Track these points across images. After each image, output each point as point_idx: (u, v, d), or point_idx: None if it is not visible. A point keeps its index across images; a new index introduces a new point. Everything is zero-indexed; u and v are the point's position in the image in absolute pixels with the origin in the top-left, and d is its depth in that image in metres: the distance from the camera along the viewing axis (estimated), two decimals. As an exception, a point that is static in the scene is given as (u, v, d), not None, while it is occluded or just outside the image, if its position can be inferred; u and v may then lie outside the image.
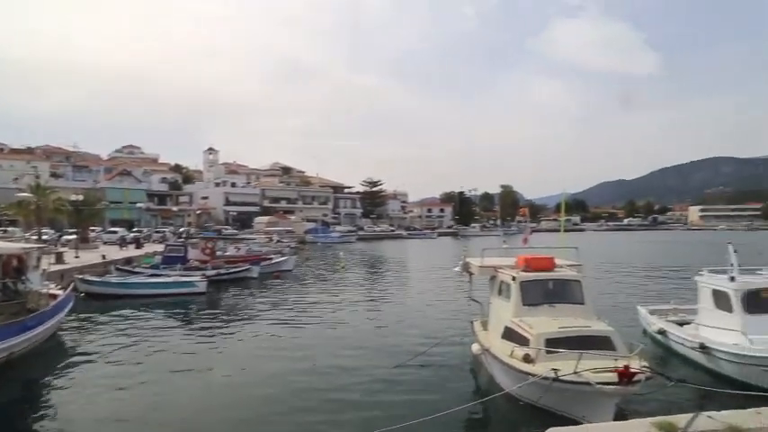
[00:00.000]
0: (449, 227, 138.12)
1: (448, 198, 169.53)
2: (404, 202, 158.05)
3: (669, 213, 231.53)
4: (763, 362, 10.97)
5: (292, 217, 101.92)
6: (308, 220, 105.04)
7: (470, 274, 14.98)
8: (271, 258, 39.19)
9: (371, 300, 26.73)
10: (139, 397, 11.78)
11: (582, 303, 11.86)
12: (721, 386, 10.30)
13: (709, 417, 5.70)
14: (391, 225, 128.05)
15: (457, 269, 15.78)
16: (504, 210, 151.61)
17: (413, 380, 12.73)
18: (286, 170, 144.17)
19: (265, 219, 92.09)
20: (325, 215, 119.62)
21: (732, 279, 12.73)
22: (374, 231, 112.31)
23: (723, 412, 5.88)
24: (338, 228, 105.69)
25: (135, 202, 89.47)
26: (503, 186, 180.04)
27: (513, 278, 12.12)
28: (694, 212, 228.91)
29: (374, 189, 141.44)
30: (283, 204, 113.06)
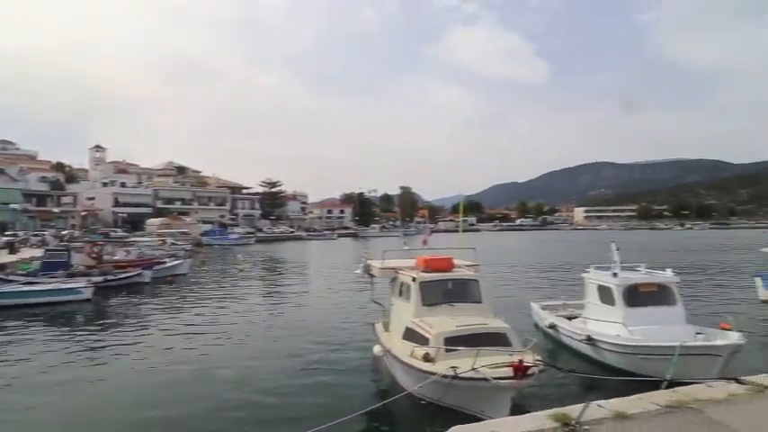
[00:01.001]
0: (349, 228, 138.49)
1: (348, 199, 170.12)
2: (304, 203, 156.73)
3: (557, 214, 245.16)
4: (641, 351, 11.81)
5: (187, 218, 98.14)
6: (205, 222, 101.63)
7: (371, 275, 15.00)
8: (164, 262, 37.36)
9: (271, 303, 26.17)
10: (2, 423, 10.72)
11: (479, 302, 12.21)
12: (607, 375, 10.99)
13: (599, 405, 6.02)
14: (291, 226, 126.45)
15: (358, 271, 15.76)
16: (403, 211, 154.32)
17: (314, 385, 12.51)
18: (181, 170, 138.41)
19: (158, 220, 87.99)
20: (223, 216, 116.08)
21: (615, 275, 13.65)
22: (274, 233, 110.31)
23: (611, 400, 6.22)
24: (236, 229, 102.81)
25: (8, 203, 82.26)
26: (402, 187, 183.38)
27: (414, 279, 12.26)
28: (579, 213, 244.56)
29: (273, 190, 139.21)
30: (178, 205, 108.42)
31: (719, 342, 10.94)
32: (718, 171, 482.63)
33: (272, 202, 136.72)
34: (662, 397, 6.43)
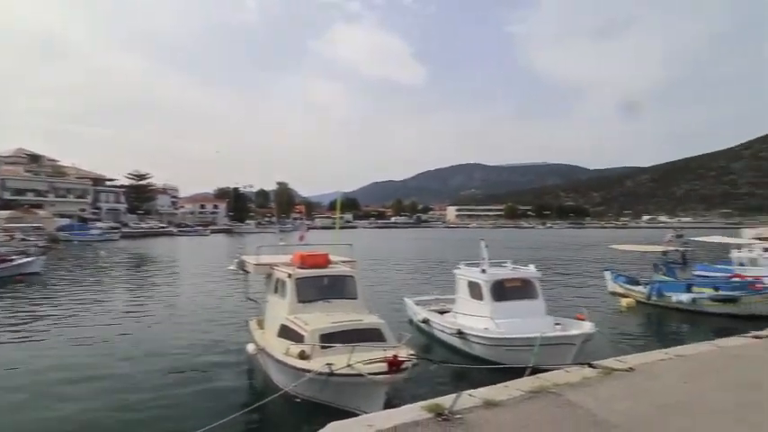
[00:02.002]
0: (223, 224, 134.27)
1: (222, 194, 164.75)
2: (174, 197, 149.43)
3: (431, 212, 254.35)
4: (506, 342, 12.55)
5: (41, 212, 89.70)
6: (63, 216, 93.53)
7: (246, 272, 14.62)
8: (12, 259, 33.90)
9: (138, 304, 24.53)
10: None
11: (355, 298, 12.30)
12: (476, 366, 11.54)
13: (470, 395, 6.27)
14: (160, 221, 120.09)
15: (232, 267, 15.29)
16: (280, 207, 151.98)
17: (185, 388, 11.89)
18: (34, 158, 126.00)
19: (6, 213, 79.61)
20: (84, 210, 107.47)
21: (483, 271, 14.34)
22: (141, 228, 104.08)
23: (480, 389, 6.50)
24: (99, 224, 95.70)
25: None
26: (279, 183, 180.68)
27: (289, 275, 12.10)
28: (452, 212, 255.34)
29: (142, 182, 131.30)
30: (30, 197, 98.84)
31: (574, 332, 11.90)
32: (575, 175, 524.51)
33: (140, 195, 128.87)
34: (526, 384, 6.82)
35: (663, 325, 19.86)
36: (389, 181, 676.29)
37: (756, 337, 9.82)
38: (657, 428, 5.38)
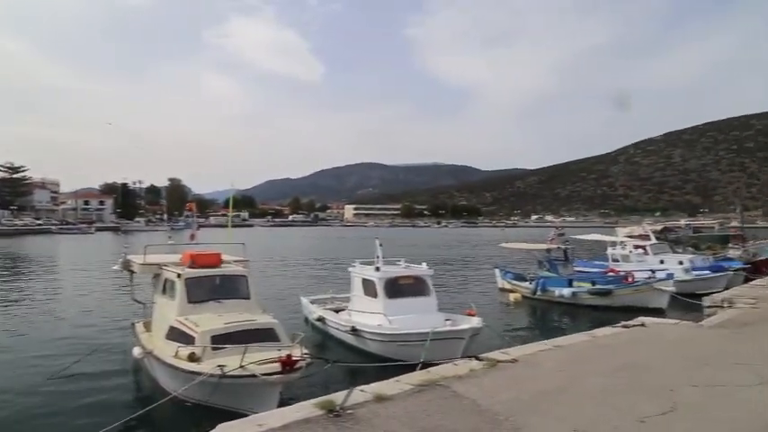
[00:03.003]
0: (110, 221, 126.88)
1: (109, 189, 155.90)
2: (54, 192, 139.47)
3: (329, 211, 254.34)
4: (398, 338, 12.82)
5: None
6: None
7: (131, 272, 13.93)
8: None
9: (11, 308, 22.57)
10: None
11: (248, 298, 12.09)
12: (370, 363, 11.69)
13: (362, 390, 6.36)
14: (38, 218, 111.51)
15: (116, 267, 14.50)
16: (172, 204, 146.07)
17: (67, 395, 11.13)
18: None
19: None
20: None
21: (377, 269, 14.57)
22: (15, 225, 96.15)
23: (372, 385, 6.63)
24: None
25: None
26: (171, 179, 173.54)
27: (179, 275, 11.68)
28: (349, 210, 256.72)
29: (16, 176, 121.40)
30: None
31: (463, 327, 12.38)
32: (469, 176, 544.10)
33: (14, 189, 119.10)
34: (416, 378, 7.03)
35: (546, 318, 21.13)
36: (286, 179, 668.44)
37: (625, 327, 10.68)
38: (535, 413, 5.72)
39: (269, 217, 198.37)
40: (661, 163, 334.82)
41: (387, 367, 10.50)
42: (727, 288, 19.13)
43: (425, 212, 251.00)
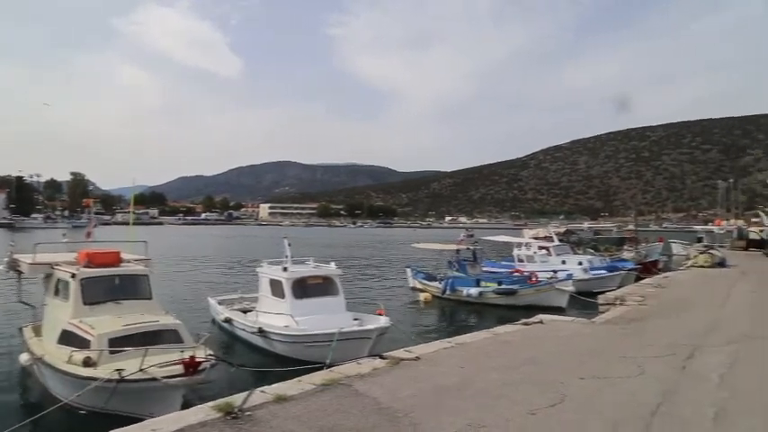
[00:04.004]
0: (2, 217, 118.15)
1: (3, 183, 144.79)
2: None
3: (243, 209, 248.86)
4: (305, 339, 12.73)
5: None
6: None
7: (19, 272, 13.00)
8: None
9: None
10: None
11: (149, 298, 11.65)
12: (277, 364, 11.54)
13: (262, 391, 6.29)
14: None
15: (1, 267, 13.49)
16: (74, 200, 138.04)
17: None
18: None
19: None
20: None
21: (285, 269, 14.37)
22: None
23: (273, 386, 6.57)
24: None
25: None
26: (73, 174, 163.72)
27: (73, 275, 11.06)
28: (264, 209, 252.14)
29: None
30: None
31: (369, 326, 12.49)
32: (385, 177, 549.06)
33: None
34: (318, 377, 7.02)
35: (454, 317, 21.67)
36: (199, 176, 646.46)
37: (525, 324, 11.17)
38: (433, 409, 5.87)
39: (180, 215, 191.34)
40: (567, 169, 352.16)
41: (294, 369, 10.44)
42: (620, 287, 20.43)
43: (342, 212, 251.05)
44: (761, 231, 40.58)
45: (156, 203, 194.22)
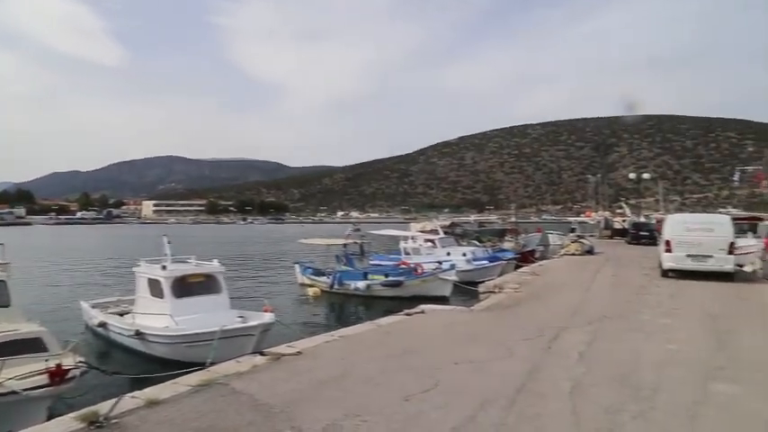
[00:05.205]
0: None
1: None
2: None
3: (124, 207, 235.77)
4: (186, 339, 12.26)
5: None
6: None
7: None
8: None
9: None
10: None
11: (7, 305, 10.78)
12: (157, 367, 11.05)
13: (132, 397, 6.04)
14: None
15: None
16: None
17: None
18: None
19: None
20: None
21: (164, 268, 13.73)
22: None
23: (145, 390, 6.33)
24: None
25: None
26: None
27: None
28: (148, 207, 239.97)
29: None
30: None
31: (252, 323, 12.27)
32: (277, 172, 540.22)
33: None
34: (194, 378, 6.84)
35: (343, 311, 21.80)
36: (74, 171, 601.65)
37: (407, 315, 11.47)
38: (310, 402, 5.91)
39: (52, 214, 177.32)
40: (455, 164, 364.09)
41: (175, 371, 10.05)
42: (501, 275, 21.52)
43: (231, 209, 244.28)
44: (623, 221, 44.29)
45: (23, 201, 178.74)
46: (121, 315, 15.42)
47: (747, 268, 19.13)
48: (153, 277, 13.81)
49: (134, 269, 14.96)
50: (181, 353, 11.93)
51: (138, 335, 13.10)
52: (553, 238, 40.52)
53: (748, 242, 21.70)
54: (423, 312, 11.71)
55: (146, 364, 12.23)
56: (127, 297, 17.11)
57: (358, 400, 5.96)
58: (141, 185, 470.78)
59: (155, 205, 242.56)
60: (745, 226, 25.53)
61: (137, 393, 6.20)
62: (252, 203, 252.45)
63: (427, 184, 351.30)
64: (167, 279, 13.34)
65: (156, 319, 13.10)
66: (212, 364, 8.41)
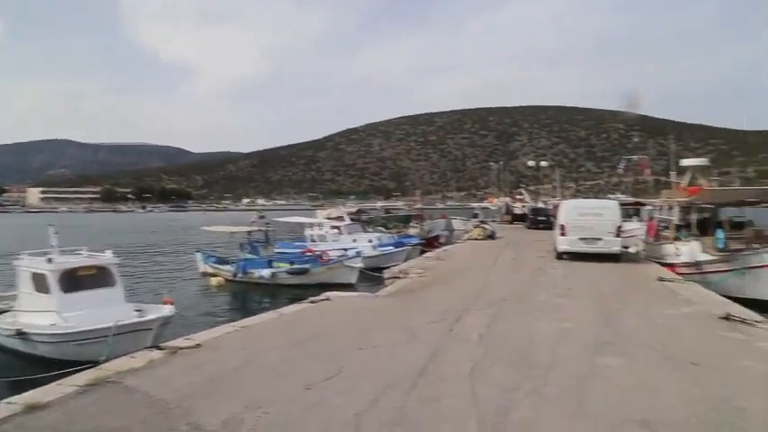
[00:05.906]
0: None
1: None
2: None
3: (7, 195, 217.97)
4: (75, 337, 11.42)
5: None
6: None
7: None
8: None
9: None
10: None
11: None
12: (42, 368, 10.22)
13: (9, 402, 5.58)
14: None
15: None
16: None
17: None
18: None
19: None
20: None
21: (50, 260, 12.71)
22: None
23: (25, 394, 5.88)
24: None
25: None
26: None
27: None
28: (34, 194, 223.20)
29: None
30: None
31: (150, 317, 11.65)
32: (179, 158, 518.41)
33: None
34: (83, 377, 6.42)
35: (247, 300, 21.30)
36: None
37: (312, 302, 11.38)
38: (209, 395, 5.73)
39: None
40: (362, 151, 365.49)
41: (64, 372, 9.39)
42: (406, 261, 21.83)
43: (129, 196, 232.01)
44: (523, 207, 46.25)
45: None
46: (1, 314, 14.17)
47: (632, 249, 20.59)
48: (37, 271, 12.74)
49: (15, 263, 13.77)
50: (70, 352, 11.12)
51: (21, 334, 12.08)
52: (457, 224, 41.67)
53: (633, 225, 23.32)
54: (328, 300, 11.65)
55: (29, 367, 11.31)
56: (7, 293, 15.76)
57: (259, 391, 5.83)
58: (26, 171, 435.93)
59: (42, 192, 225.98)
60: (630, 210, 27.47)
61: (15, 398, 5.73)
62: (152, 190, 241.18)
63: (335, 170, 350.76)
64: (54, 272, 12.35)
65: (42, 316, 12.11)
66: (106, 361, 7.94)
